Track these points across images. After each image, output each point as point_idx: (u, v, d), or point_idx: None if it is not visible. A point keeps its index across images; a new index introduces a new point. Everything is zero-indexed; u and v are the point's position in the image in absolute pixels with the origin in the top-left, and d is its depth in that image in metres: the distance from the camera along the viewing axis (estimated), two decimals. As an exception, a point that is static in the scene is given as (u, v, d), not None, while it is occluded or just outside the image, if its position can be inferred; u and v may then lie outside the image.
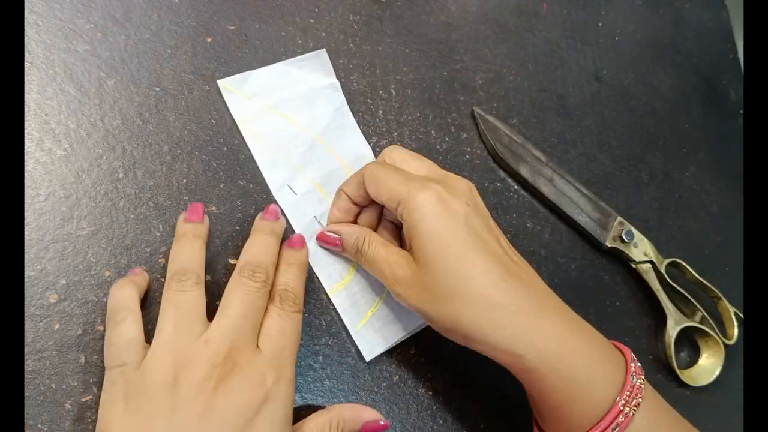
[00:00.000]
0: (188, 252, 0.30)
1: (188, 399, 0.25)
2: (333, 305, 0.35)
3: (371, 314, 0.35)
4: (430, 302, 0.29)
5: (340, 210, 0.35)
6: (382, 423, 0.31)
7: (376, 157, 0.38)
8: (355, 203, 0.34)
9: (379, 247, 0.32)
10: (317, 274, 0.35)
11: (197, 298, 0.28)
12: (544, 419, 0.31)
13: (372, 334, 0.35)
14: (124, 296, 0.29)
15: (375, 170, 0.32)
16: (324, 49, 0.38)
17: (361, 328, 0.35)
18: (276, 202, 0.35)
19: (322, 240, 0.35)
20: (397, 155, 0.34)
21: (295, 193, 0.36)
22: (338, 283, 0.35)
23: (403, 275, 0.30)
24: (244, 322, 0.28)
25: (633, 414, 0.28)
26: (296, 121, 0.37)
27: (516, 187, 0.43)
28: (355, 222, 0.35)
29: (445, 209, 0.29)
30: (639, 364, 0.30)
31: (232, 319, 0.28)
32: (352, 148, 0.38)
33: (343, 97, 0.39)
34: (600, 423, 0.28)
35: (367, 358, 0.34)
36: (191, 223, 0.31)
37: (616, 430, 0.28)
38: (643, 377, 0.29)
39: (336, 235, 0.34)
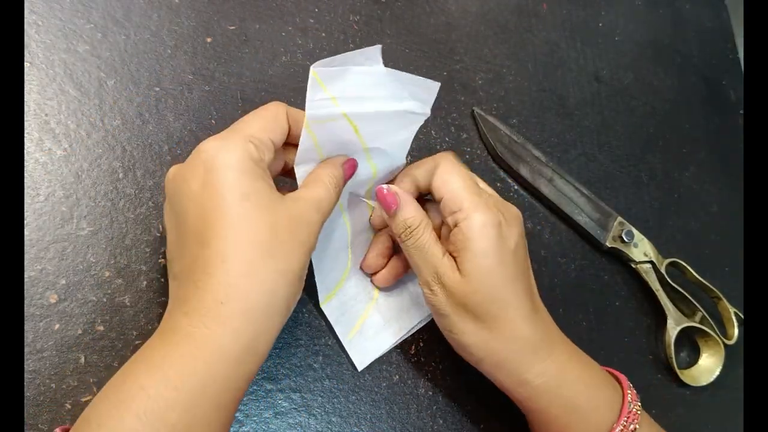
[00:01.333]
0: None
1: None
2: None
3: (361, 323, 0.35)
4: (459, 314, 0.30)
5: (406, 189, 0.34)
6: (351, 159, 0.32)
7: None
8: (417, 189, 0.34)
9: (433, 239, 0.32)
10: (316, 277, 0.34)
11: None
12: None
13: (363, 343, 0.35)
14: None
15: (452, 167, 0.32)
16: (438, 84, 0.33)
17: (353, 337, 0.35)
18: None
19: (380, 197, 0.32)
20: (455, 167, 0.33)
21: None
22: (330, 293, 0.35)
23: (446, 277, 0.30)
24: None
25: None
26: (359, 130, 0.32)
27: (516, 187, 0.43)
28: None
29: (502, 236, 0.30)
30: (635, 391, 0.32)
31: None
32: (389, 165, 0.35)
33: (416, 129, 0.35)
34: None
35: (360, 368, 0.34)
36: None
37: None
38: (639, 404, 0.31)
39: (397, 199, 0.32)
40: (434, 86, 0.33)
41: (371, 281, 0.36)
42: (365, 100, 0.31)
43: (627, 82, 0.52)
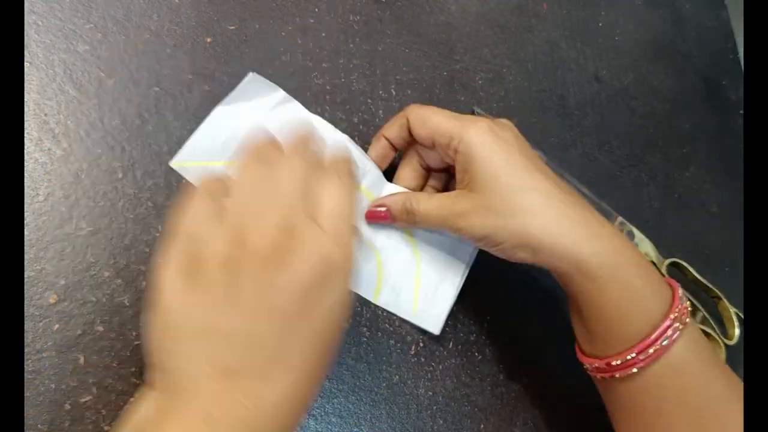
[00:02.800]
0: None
1: (248, 275, 0.23)
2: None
3: (417, 296, 0.36)
4: (496, 223, 0.31)
5: (378, 156, 0.36)
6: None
7: (355, 146, 0.37)
8: (394, 148, 0.35)
9: (429, 198, 0.33)
10: (353, 290, 0.34)
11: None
12: (594, 336, 0.32)
13: (429, 310, 0.36)
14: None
15: (421, 111, 0.33)
16: (253, 73, 0.35)
17: (417, 312, 0.35)
18: None
19: (371, 217, 0.35)
20: (425, 109, 0.34)
21: None
22: (376, 287, 0.35)
23: (463, 208, 0.31)
24: (299, 190, 0.26)
25: (679, 332, 0.29)
26: None
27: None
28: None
29: (498, 137, 0.31)
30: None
31: (285, 189, 0.25)
32: (328, 137, 0.35)
33: (299, 103, 0.36)
34: (651, 335, 0.29)
35: (437, 332, 0.36)
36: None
37: (665, 342, 0.29)
38: (688, 302, 0.31)
39: (382, 208, 0.35)
40: (252, 79, 0.35)
41: (409, 253, 0.36)
42: (229, 139, 0.33)
43: (627, 82, 0.52)
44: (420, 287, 0.36)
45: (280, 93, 0.36)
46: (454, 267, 0.37)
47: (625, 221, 0.44)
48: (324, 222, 0.25)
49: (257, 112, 0.35)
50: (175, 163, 0.33)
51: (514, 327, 0.40)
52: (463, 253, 0.37)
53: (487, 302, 0.39)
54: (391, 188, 0.37)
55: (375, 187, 0.36)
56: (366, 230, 0.36)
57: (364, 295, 0.35)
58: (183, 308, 0.23)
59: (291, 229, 0.24)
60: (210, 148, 0.33)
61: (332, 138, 0.36)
